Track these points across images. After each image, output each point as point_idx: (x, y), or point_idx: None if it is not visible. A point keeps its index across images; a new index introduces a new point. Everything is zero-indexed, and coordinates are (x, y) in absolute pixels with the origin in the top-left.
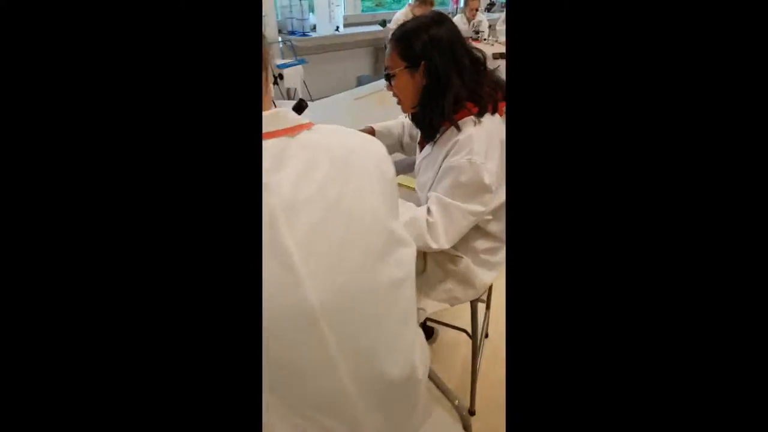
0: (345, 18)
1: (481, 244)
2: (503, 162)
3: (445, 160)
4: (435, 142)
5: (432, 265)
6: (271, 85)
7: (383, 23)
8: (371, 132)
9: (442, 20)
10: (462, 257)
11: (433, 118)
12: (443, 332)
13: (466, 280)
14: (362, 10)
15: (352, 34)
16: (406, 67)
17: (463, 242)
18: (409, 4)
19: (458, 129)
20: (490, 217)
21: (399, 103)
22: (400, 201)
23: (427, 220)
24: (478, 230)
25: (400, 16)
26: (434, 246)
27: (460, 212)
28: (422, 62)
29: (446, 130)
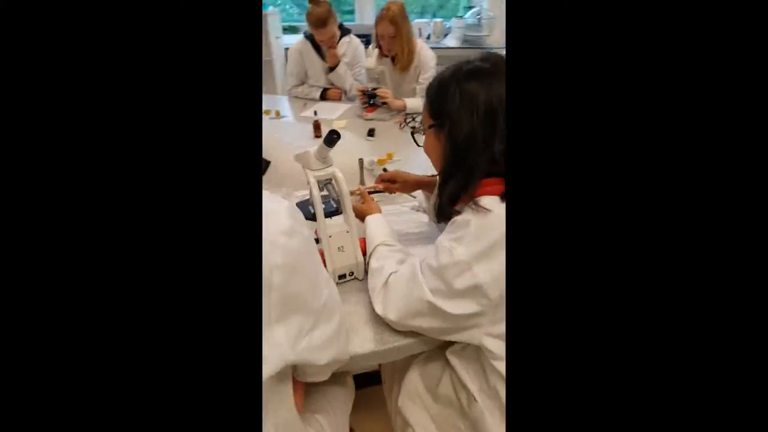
0: None
1: (503, 387)
2: None
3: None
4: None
5: (446, 383)
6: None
7: None
8: (432, 183)
9: (485, 70)
10: (476, 401)
11: (442, 198)
12: None
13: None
14: None
15: None
16: (431, 126)
17: (480, 376)
18: None
19: (458, 212)
20: (495, 350)
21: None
22: (392, 249)
23: (388, 277)
24: (493, 368)
25: None
26: (378, 309)
27: (420, 294)
28: (448, 122)
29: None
